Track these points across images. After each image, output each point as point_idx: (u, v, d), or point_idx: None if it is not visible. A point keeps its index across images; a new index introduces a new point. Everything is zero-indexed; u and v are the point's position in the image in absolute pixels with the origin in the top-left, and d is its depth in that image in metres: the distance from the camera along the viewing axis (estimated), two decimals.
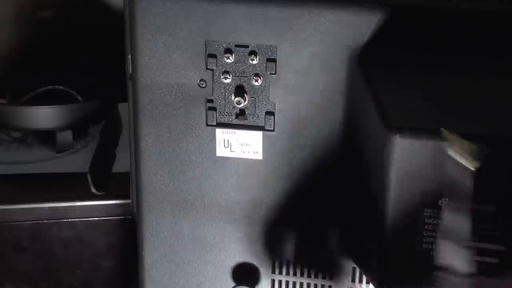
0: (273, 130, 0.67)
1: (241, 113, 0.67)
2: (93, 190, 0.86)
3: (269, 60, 0.65)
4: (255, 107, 0.67)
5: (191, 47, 0.66)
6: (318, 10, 0.63)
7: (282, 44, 0.64)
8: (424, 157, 0.50)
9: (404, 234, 0.57)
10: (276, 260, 0.73)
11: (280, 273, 0.73)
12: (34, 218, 0.91)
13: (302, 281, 0.73)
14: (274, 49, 0.65)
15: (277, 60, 0.65)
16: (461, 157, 0.48)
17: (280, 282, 0.74)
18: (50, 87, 1.04)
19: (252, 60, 0.65)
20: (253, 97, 0.66)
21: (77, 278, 0.96)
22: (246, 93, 0.66)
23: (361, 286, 0.72)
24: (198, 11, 0.64)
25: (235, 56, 0.65)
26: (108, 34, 1.16)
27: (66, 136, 1.01)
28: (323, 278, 0.72)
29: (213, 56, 0.65)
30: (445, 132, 0.49)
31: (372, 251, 0.59)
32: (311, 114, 0.66)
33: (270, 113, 0.66)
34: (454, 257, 0.57)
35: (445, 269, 0.54)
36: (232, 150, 0.68)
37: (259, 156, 0.68)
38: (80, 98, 1.03)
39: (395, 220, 0.57)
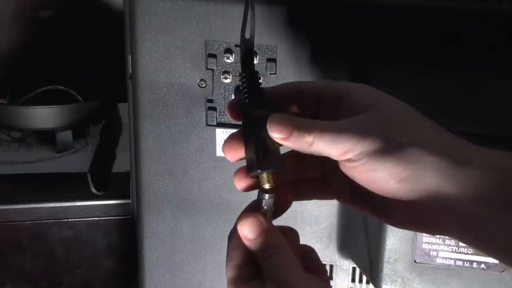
0: None
1: None
2: (93, 190, 0.86)
3: (269, 60, 0.65)
4: None
5: (191, 47, 0.66)
6: (318, 10, 0.63)
7: (282, 44, 0.64)
8: None
9: (403, 234, 0.57)
10: None
11: None
12: (34, 218, 0.91)
13: None
14: (274, 49, 0.65)
15: (277, 60, 0.65)
16: None
17: None
18: (50, 87, 1.04)
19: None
20: None
21: (77, 278, 0.96)
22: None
23: (361, 286, 0.72)
24: (198, 11, 0.64)
25: (235, 56, 0.65)
26: (108, 34, 1.16)
27: (66, 136, 1.01)
28: None
29: (213, 56, 0.65)
30: None
31: (371, 252, 0.59)
32: None
33: None
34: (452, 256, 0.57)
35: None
36: None
37: None
38: (80, 98, 1.03)
39: None
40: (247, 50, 0.47)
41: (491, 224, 0.40)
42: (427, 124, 0.43)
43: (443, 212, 0.41)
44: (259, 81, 0.46)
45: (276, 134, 0.43)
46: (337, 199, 0.48)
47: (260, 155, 0.44)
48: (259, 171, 0.44)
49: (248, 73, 0.46)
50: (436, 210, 0.42)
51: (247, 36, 0.46)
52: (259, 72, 0.65)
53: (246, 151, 0.45)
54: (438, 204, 0.41)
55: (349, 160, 0.42)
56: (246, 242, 0.44)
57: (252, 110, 0.45)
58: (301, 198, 0.49)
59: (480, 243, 0.42)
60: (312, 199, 0.49)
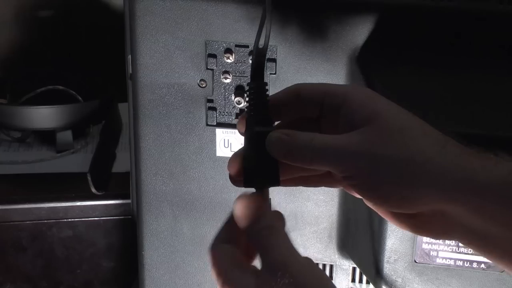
0: None
1: (241, 113, 0.67)
2: (93, 190, 0.86)
3: (269, 60, 0.65)
4: None
5: (191, 47, 0.66)
6: (318, 10, 0.63)
7: (282, 44, 0.64)
8: None
9: (403, 234, 0.57)
10: None
11: None
12: (34, 218, 0.92)
13: None
14: (274, 49, 0.65)
15: (277, 60, 0.65)
16: None
17: None
18: (50, 87, 1.04)
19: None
20: None
21: (77, 278, 0.96)
22: (246, 93, 0.66)
23: (361, 286, 0.72)
24: (198, 11, 0.64)
25: (235, 56, 0.65)
26: (108, 34, 1.16)
27: (66, 136, 1.01)
28: None
29: (213, 56, 0.65)
30: None
31: (371, 253, 0.59)
32: None
33: None
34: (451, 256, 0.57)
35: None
36: (232, 150, 0.68)
37: None
38: (80, 98, 1.03)
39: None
40: (257, 60, 0.46)
41: (493, 238, 0.40)
42: (431, 137, 0.42)
43: (445, 225, 0.42)
44: (267, 93, 0.46)
45: (274, 154, 0.43)
46: (344, 188, 0.48)
47: (257, 173, 0.44)
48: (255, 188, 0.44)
49: (255, 85, 0.46)
50: (438, 223, 0.42)
51: (261, 45, 0.45)
52: None
53: (244, 161, 0.45)
54: (440, 219, 0.41)
55: (348, 178, 0.42)
56: (241, 223, 0.43)
57: (255, 125, 0.45)
58: (309, 185, 0.49)
59: (482, 251, 0.43)
60: (320, 186, 0.49)
